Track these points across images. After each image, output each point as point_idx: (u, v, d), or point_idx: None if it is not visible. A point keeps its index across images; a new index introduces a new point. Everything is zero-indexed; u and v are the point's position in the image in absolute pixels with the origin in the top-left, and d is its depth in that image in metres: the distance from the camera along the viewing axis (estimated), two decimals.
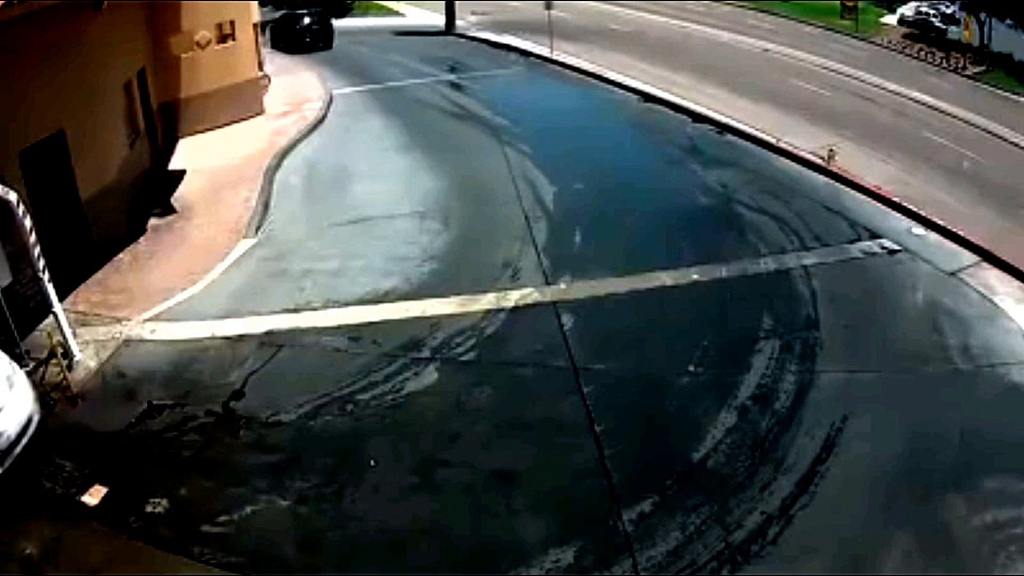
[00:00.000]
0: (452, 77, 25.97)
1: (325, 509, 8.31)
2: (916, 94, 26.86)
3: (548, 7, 28.03)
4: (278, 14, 30.99)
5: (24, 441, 8.20)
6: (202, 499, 8.32)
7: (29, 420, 8.35)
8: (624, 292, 12.66)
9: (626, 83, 25.09)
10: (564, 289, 12.66)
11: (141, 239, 13.75)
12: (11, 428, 8.07)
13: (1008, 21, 32.78)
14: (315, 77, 24.72)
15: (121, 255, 13.11)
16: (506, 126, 20.51)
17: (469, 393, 10.16)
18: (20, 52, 10.60)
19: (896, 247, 14.64)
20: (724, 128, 21.17)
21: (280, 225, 14.68)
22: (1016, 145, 22.83)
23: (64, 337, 10.07)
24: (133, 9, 15.82)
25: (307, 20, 29.55)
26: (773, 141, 19.89)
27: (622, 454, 9.16)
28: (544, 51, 28.59)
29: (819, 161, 18.56)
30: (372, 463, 8.91)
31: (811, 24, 38.08)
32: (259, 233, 14.27)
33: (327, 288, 12.45)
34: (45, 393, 9.38)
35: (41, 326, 10.23)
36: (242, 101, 20.10)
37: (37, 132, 11.27)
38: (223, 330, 11.19)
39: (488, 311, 11.93)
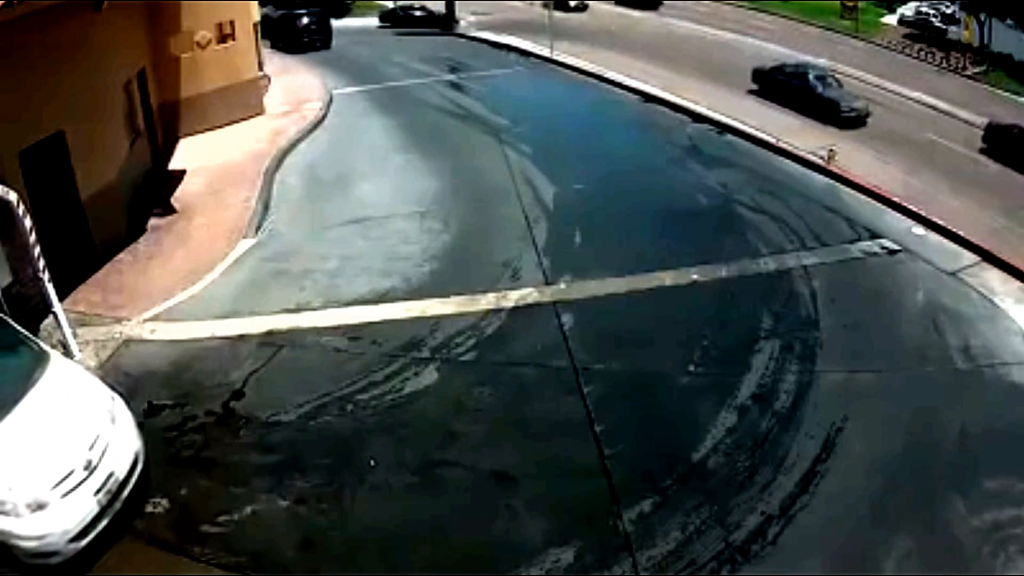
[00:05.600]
0: (452, 77, 25.97)
1: (325, 509, 8.29)
2: (916, 94, 26.89)
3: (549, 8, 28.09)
4: (278, 14, 30.99)
5: (133, 480, 7.80)
6: (202, 499, 8.30)
7: (136, 458, 7.93)
8: (624, 292, 12.65)
9: (626, 83, 25.13)
10: (564, 289, 12.65)
11: (141, 239, 13.73)
12: (119, 468, 7.65)
13: (1008, 21, 32.81)
14: (315, 77, 24.73)
15: (121, 255, 13.09)
16: (506, 126, 20.53)
17: (469, 393, 10.15)
18: (20, 52, 10.59)
19: (896, 247, 14.64)
20: (724, 128, 21.19)
21: (280, 225, 14.67)
22: None
23: (64, 337, 10.06)
24: (133, 9, 15.82)
25: (306, 20, 29.59)
26: (773, 141, 19.91)
27: (622, 454, 9.15)
28: (544, 51, 28.61)
29: (819, 161, 18.58)
30: (372, 463, 8.90)
31: (812, 24, 38.20)
32: (259, 233, 14.26)
33: (327, 288, 12.44)
34: None
35: (41, 326, 10.22)
36: (242, 101, 20.11)
37: (37, 132, 11.24)
38: (223, 330, 11.17)
39: (488, 311, 11.92)
